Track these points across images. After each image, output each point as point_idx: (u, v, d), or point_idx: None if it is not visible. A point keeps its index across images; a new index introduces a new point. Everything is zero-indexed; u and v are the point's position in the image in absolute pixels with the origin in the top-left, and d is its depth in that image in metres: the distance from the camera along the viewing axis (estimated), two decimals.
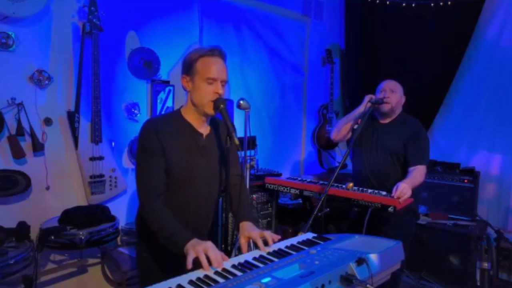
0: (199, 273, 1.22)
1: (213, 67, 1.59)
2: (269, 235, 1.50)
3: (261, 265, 1.27)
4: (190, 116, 1.67)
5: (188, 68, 1.62)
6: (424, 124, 3.90)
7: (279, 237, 1.52)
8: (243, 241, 1.56)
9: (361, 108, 2.47)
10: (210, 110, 1.61)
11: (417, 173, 2.33)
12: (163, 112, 3.07)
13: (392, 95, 2.46)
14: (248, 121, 2.60)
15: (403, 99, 2.54)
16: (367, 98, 2.46)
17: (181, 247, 1.36)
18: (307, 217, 1.96)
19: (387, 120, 2.54)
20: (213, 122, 1.76)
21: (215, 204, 1.83)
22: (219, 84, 1.60)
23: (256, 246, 1.49)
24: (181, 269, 1.27)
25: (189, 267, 1.27)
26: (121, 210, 2.86)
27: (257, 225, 1.65)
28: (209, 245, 1.32)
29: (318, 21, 4.44)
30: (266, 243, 1.48)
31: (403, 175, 2.40)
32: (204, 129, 1.70)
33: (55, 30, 2.54)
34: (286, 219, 3.45)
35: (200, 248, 1.30)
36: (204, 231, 1.77)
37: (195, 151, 1.65)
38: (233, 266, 1.27)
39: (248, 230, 1.58)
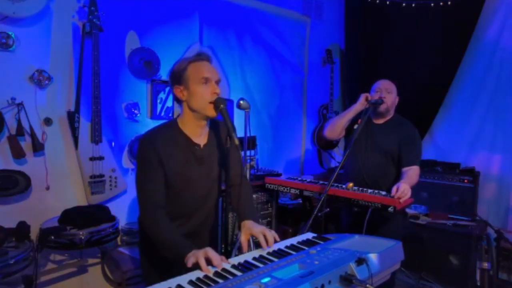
0: (199, 273, 1.22)
1: (205, 68, 1.61)
2: (269, 233, 1.50)
3: (261, 265, 1.27)
4: (187, 127, 1.66)
5: (178, 78, 1.62)
6: (424, 124, 3.96)
7: (278, 239, 1.52)
8: (243, 239, 1.56)
9: (357, 107, 2.47)
10: (211, 112, 1.61)
11: (413, 174, 2.34)
12: (163, 113, 3.08)
13: (388, 95, 2.47)
14: (248, 121, 2.60)
15: (397, 100, 2.55)
16: (363, 96, 2.47)
17: (182, 258, 1.37)
18: (307, 217, 1.97)
19: (381, 121, 2.55)
20: (213, 124, 1.75)
21: (215, 205, 1.83)
22: (215, 84, 1.61)
23: (256, 246, 1.49)
24: (182, 270, 1.27)
25: (189, 266, 1.28)
26: (121, 210, 2.86)
27: (259, 223, 1.65)
28: (209, 249, 1.33)
29: (318, 21, 4.44)
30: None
31: (397, 175, 2.42)
32: (202, 139, 1.70)
33: (55, 30, 2.54)
34: (286, 219, 3.45)
35: (199, 253, 1.31)
36: (205, 232, 1.77)
37: (193, 162, 1.66)
38: (233, 266, 1.27)
39: (250, 227, 1.58)
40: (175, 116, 1.77)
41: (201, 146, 1.69)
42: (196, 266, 1.27)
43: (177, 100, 1.67)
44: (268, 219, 3.26)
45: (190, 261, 1.30)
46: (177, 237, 1.48)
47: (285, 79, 4.17)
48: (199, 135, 1.69)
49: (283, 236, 1.55)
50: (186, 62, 1.63)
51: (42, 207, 2.52)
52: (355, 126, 2.52)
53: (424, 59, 3.97)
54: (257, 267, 1.25)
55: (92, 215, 2.45)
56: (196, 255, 1.30)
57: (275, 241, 1.50)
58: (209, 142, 1.72)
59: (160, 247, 1.50)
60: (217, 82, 1.62)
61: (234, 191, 1.80)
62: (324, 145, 4.39)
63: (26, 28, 2.42)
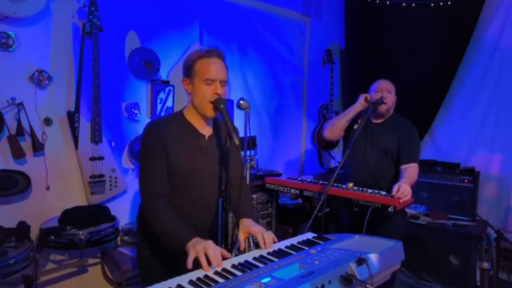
0: (199, 273, 1.22)
1: (212, 67, 1.59)
2: (267, 234, 1.50)
3: (261, 265, 1.27)
4: (193, 117, 1.68)
5: (187, 70, 1.64)
6: (424, 124, 3.97)
7: (276, 240, 1.52)
8: (241, 237, 1.56)
9: (356, 107, 2.48)
10: (210, 112, 1.61)
11: (412, 172, 2.36)
12: (163, 113, 3.07)
13: (389, 95, 2.47)
14: (248, 121, 2.60)
15: (395, 98, 2.55)
16: (362, 97, 2.48)
17: (183, 246, 1.37)
18: (307, 217, 1.96)
19: (380, 120, 2.55)
20: (216, 122, 1.77)
21: (216, 204, 1.83)
22: (218, 85, 1.60)
23: (256, 246, 1.49)
24: (182, 269, 1.27)
25: (189, 267, 1.27)
26: (121, 210, 2.86)
27: (258, 223, 1.65)
28: (209, 244, 1.32)
29: (318, 21, 4.44)
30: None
31: (397, 174, 2.43)
32: (207, 130, 1.71)
33: (55, 30, 2.54)
34: (286, 219, 3.45)
35: (200, 248, 1.30)
36: (205, 230, 1.77)
37: (197, 152, 1.66)
38: (233, 266, 1.27)
39: (248, 226, 1.58)
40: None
41: (206, 137, 1.70)
42: (197, 264, 1.27)
43: (185, 90, 1.69)
44: (268, 219, 3.27)
45: (190, 255, 1.30)
46: (178, 224, 1.48)
47: (285, 79, 4.17)
48: (204, 127, 1.70)
49: (283, 236, 1.56)
50: (196, 56, 1.61)
51: (42, 207, 2.52)
52: (355, 126, 2.53)
53: (424, 59, 3.97)
54: (257, 267, 1.25)
55: (92, 215, 2.45)
56: (196, 250, 1.30)
57: (273, 242, 1.49)
58: (213, 135, 1.74)
59: (160, 235, 1.49)
60: (222, 83, 1.61)
61: (234, 192, 1.81)
62: (324, 145, 4.39)
63: (26, 28, 2.41)
